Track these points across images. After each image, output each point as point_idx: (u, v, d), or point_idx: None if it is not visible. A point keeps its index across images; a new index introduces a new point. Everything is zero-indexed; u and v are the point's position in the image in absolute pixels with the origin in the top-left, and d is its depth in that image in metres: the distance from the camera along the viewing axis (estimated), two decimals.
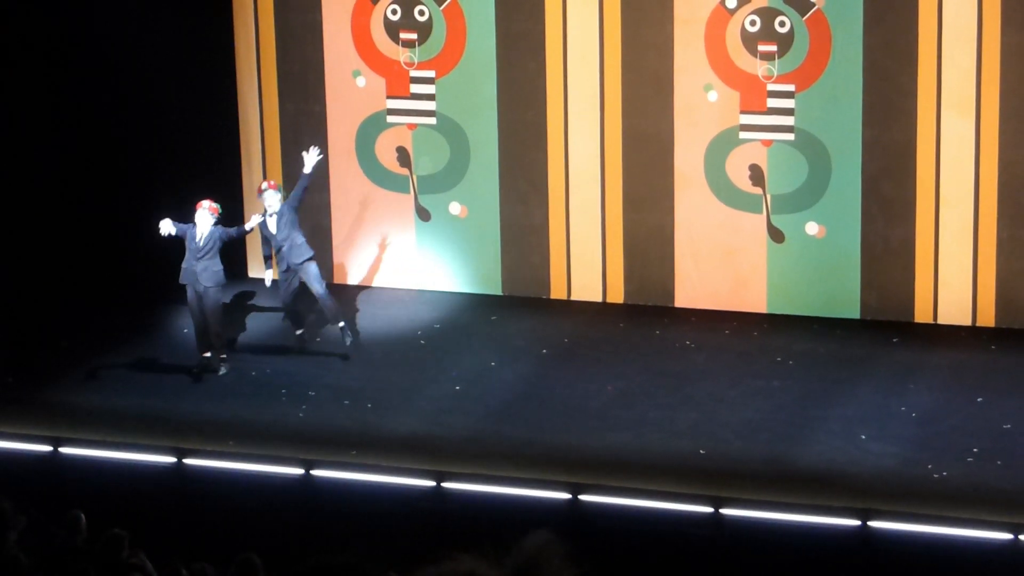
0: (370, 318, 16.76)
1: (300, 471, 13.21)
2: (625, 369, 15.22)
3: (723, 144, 16.34)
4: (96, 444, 13.80)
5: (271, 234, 15.52)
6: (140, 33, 17.23)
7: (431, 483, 12.91)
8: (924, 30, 15.61)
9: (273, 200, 15.46)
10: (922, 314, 16.09)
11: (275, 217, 15.48)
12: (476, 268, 17.24)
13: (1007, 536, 11.86)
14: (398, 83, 17.16)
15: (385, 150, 17.36)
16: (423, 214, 17.35)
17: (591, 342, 15.97)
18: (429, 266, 17.36)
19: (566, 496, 12.65)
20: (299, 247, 15.50)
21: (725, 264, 16.56)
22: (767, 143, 16.25)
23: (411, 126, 17.25)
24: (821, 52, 15.93)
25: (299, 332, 15.79)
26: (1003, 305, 15.87)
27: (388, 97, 17.24)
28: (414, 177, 17.33)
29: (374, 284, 17.53)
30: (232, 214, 16.08)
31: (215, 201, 15.35)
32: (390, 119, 17.29)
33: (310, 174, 15.62)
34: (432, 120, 17.15)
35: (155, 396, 14.98)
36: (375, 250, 17.53)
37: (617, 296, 16.95)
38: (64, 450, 13.75)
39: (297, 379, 15.20)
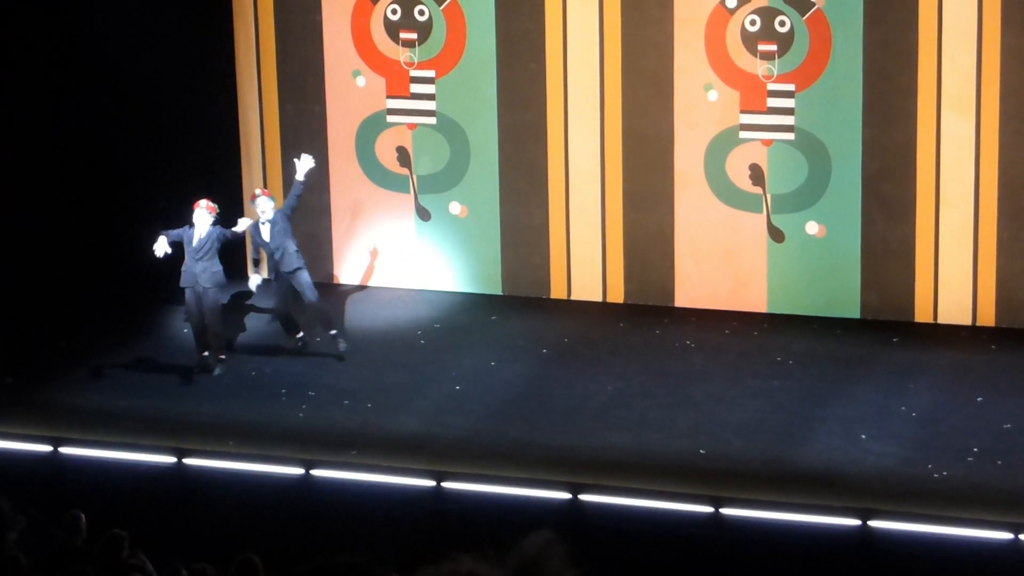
0: (370, 318, 16.76)
1: (300, 471, 13.21)
2: (625, 369, 15.21)
3: (723, 144, 16.34)
4: (96, 444, 13.80)
5: (264, 242, 15.50)
6: (140, 34, 17.22)
7: (431, 483, 12.91)
8: (924, 30, 15.61)
9: (266, 207, 15.46)
10: (922, 314, 16.09)
11: (268, 225, 15.47)
12: (476, 268, 17.24)
13: (1007, 536, 11.86)
14: (398, 83, 17.16)
15: (385, 150, 17.35)
16: (423, 214, 17.35)
17: (591, 342, 15.97)
18: (429, 266, 17.36)
19: (566, 496, 12.65)
20: (291, 255, 15.49)
21: (725, 264, 16.56)
22: (767, 143, 16.25)
23: (411, 126, 17.25)
24: (821, 52, 15.93)
25: (298, 336, 15.77)
26: (1003, 305, 15.87)
27: (388, 97, 17.23)
28: (414, 177, 17.33)
29: (374, 284, 17.53)
30: (232, 215, 16.07)
31: (213, 201, 15.35)
32: (390, 119, 17.29)
33: (303, 181, 15.64)
34: (432, 120, 17.14)
35: (155, 396, 14.98)
36: (375, 250, 17.53)
37: (617, 296, 16.94)
38: (64, 450, 13.75)
39: (297, 379, 15.20)
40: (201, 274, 15.22)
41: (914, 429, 13.79)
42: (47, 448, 13.77)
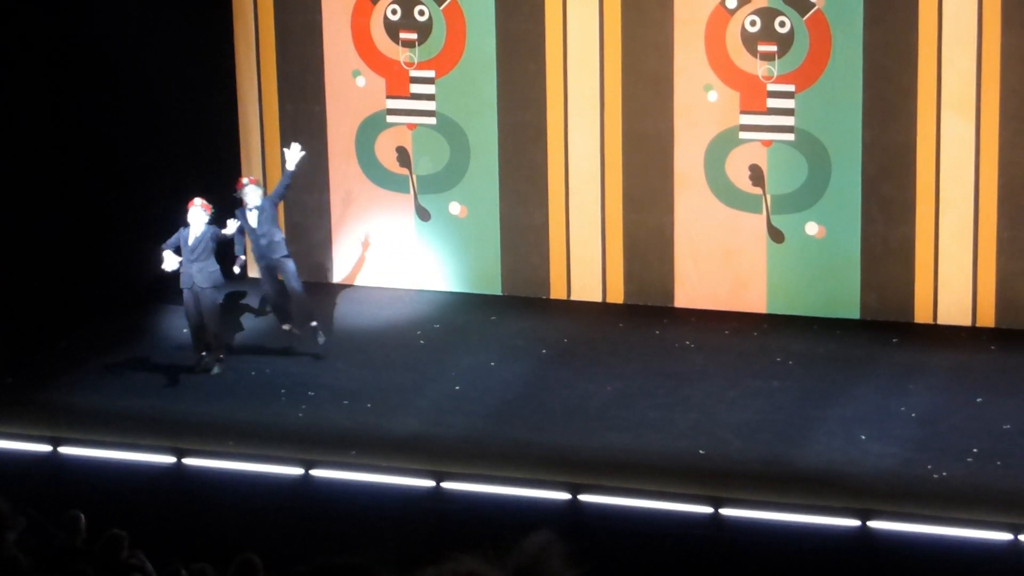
0: (370, 318, 16.76)
1: (300, 471, 13.21)
2: (625, 369, 15.21)
3: (723, 144, 16.33)
4: (95, 444, 13.80)
5: (251, 228, 15.54)
6: (140, 33, 17.23)
7: (431, 483, 12.91)
8: (924, 30, 15.61)
9: (254, 195, 15.50)
10: (922, 314, 16.09)
11: (256, 212, 15.51)
12: (476, 268, 17.24)
13: (1007, 536, 11.86)
14: (398, 83, 17.16)
15: (385, 150, 17.36)
16: (423, 214, 17.35)
17: (591, 342, 15.97)
18: (429, 266, 17.36)
19: (566, 496, 12.65)
20: (277, 243, 15.57)
21: (725, 264, 16.56)
22: (767, 143, 16.25)
23: (411, 126, 17.25)
24: (821, 52, 15.93)
25: (286, 327, 15.79)
26: (1003, 305, 15.87)
27: (388, 97, 17.24)
28: (414, 177, 17.33)
29: (373, 284, 17.53)
30: (232, 215, 16.06)
31: (208, 200, 15.36)
32: (390, 119, 17.29)
33: (293, 171, 15.68)
34: (432, 120, 17.15)
35: (155, 396, 14.98)
36: (374, 250, 17.52)
37: (617, 296, 16.94)
38: (63, 450, 13.75)
39: (296, 379, 15.20)
40: (197, 274, 15.23)
41: (914, 430, 13.79)
42: (47, 448, 13.77)
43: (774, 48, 16.05)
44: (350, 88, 17.30)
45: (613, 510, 12.57)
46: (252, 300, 17.05)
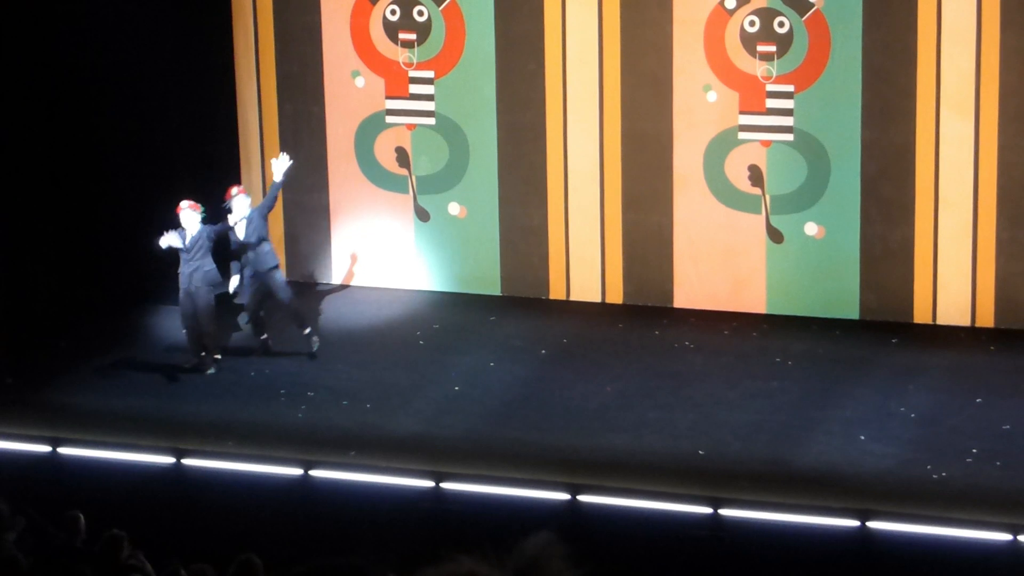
0: (369, 318, 16.76)
1: (299, 472, 13.20)
2: (624, 370, 15.21)
3: (722, 145, 16.34)
4: (95, 445, 13.79)
5: (239, 240, 15.51)
6: (139, 34, 17.22)
7: (430, 484, 12.90)
8: (923, 31, 15.61)
9: (242, 205, 15.46)
10: (921, 315, 16.10)
11: (244, 222, 15.49)
12: (475, 268, 17.24)
13: (1006, 537, 11.86)
14: (397, 83, 17.17)
15: (384, 150, 17.36)
16: (422, 214, 17.35)
17: (590, 343, 15.97)
18: (428, 266, 17.36)
19: (565, 497, 12.65)
20: (266, 254, 15.52)
21: (724, 265, 16.56)
22: (766, 143, 16.26)
23: (410, 126, 17.25)
24: (820, 53, 15.93)
25: (263, 337, 15.78)
26: (1002, 306, 15.87)
27: (387, 97, 17.24)
28: (413, 177, 17.33)
29: (373, 284, 17.53)
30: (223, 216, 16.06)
31: (194, 199, 15.37)
32: (389, 119, 17.29)
33: (281, 182, 15.65)
34: (431, 120, 17.15)
35: (154, 397, 14.98)
36: (374, 250, 17.52)
37: (616, 297, 16.95)
38: (63, 451, 13.74)
39: (296, 380, 15.20)
40: (193, 274, 15.25)
41: (913, 430, 13.79)
42: (46, 448, 13.76)
43: (773, 48, 16.06)
44: (349, 88, 17.31)
45: (612, 511, 12.57)
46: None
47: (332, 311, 16.95)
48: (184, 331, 15.58)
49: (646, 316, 16.55)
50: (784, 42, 16.02)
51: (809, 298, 16.36)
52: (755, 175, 16.35)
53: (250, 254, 15.50)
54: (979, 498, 12.48)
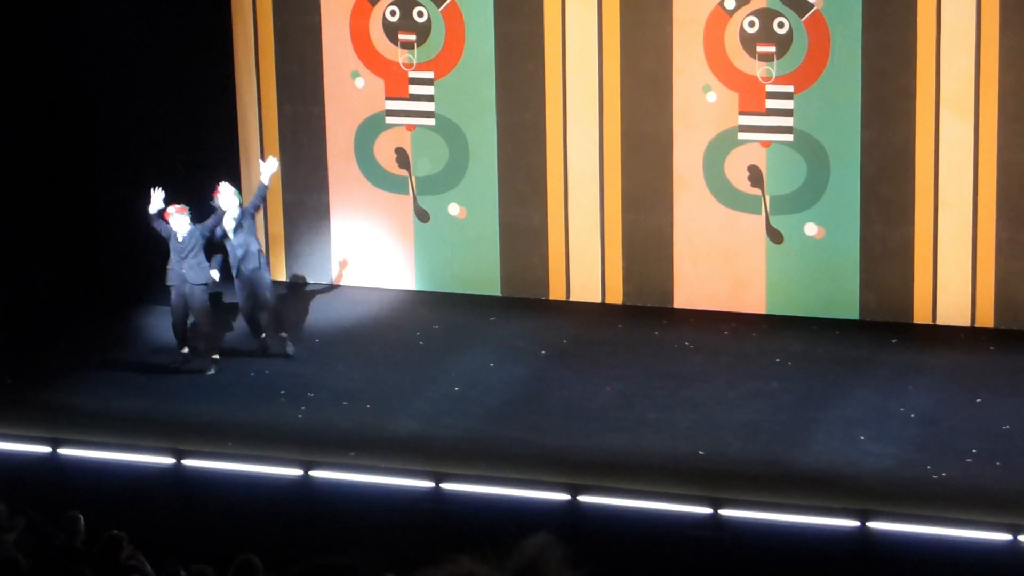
0: (369, 319, 16.77)
1: (299, 472, 13.20)
2: (624, 370, 15.21)
3: (722, 145, 16.34)
4: (95, 445, 13.79)
5: (227, 239, 15.51)
6: (139, 35, 17.22)
7: (430, 484, 12.90)
8: (923, 31, 15.61)
9: (229, 198, 15.47)
10: (921, 315, 16.10)
11: (233, 222, 15.49)
12: (475, 269, 17.24)
13: (1006, 537, 11.86)
14: (397, 84, 17.17)
15: (384, 151, 17.36)
16: (422, 215, 17.35)
17: (590, 343, 15.97)
18: (428, 267, 17.36)
19: (565, 497, 12.65)
20: (254, 254, 15.52)
21: (724, 265, 16.56)
22: (766, 144, 16.26)
23: (410, 127, 17.25)
24: (820, 53, 15.93)
25: (261, 337, 15.78)
26: (1002, 306, 15.88)
27: (387, 98, 17.24)
28: (413, 178, 17.33)
29: (373, 285, 17.53)
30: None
31: (180, 203, 15.40)
32: (389, 120, 17.29)
33: (267, 184, 15.70)
34: (431, 121, 17.15)
35: (154, 397, 14.97)
36: (374, 251, 17.52)
37: (616, 297, 16.95)
38: (63, 451, 13.74)
39: (296, 380, 15.20)
40: (188, 271, 15.27)
41: (913, 430, 13.79)
42: (46, 449, 13.76)
43: (773, 49, 16.06)
44: (349, 89, 17.31)
45: (612, 511, 12.57)
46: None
47: (332, 312, 16.95)
48: (172, 329, 15.57)
49: (646, 316, 16.55)
50: (784, 43, 16.02)
51: (809, 298, 16.36)
52: (755, 175, 16.36)
53: (238, 253, 15.50)
54: (979, 498, 12.48)
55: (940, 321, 16.05)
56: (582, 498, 12.60)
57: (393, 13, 17.07)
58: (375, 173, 17.41)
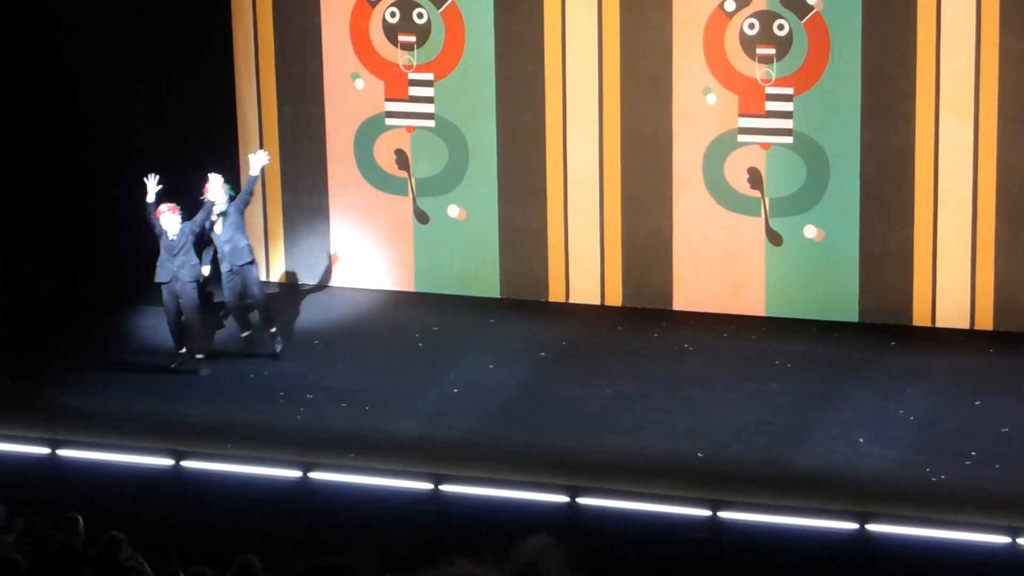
0: (368, 321, 16.77)
1: (298, 474, 13.21)
2: (623, 372, 15.21)
3: (721, 147, 16.34)
4: (94, 446, 13.80)
5: (216, 234, 15.52)
6: (138, 35, 17.22)
7: (429, 486, 12.90)
8: (923, 33, 15.62)
9: (220, 199, 15.46)
10: (920, 317, 16.10)
11: (220, 218, 15.49)
12: (474, 271, 17.24)
13: (1005, 539, 11.86)
14: (397, 86, 17.17)
15: (384, 153, 17.35)
16: (421, 217, 17.35)
17: (589, 345, 15.97)
18: (427, 269, 17.35)
19: (564, 499, 12.65)
20: (242, 249, 15.51)
21: (723, 267, 16.56)
22: (765, 146, 16.26)
23: (410, 128, 17.25)
24: (820, 55, 15.93)
25: (245, 334, 15.78)
26: (1001, 308, 15.87)
27: (387, 100, 17.24)
28: (412, 180, 17.33)
29: (372, 286, 17.53)
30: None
31: (170, 201, 15.42)
32: (389, 122, 17.29)
33: (257, 176, 15.70)
34: (431, 123, 17.15)
35: (153, 398, 14.97)
36: (373, 252, 17.52)
37: (615, 299, 16.94)
38: (62, 452, 13.74)
39: (295, 382, 15.20)
40: (179, 269, 15.28)
41: (912, 433, 13.79)
42: (45, 450, 13.77)
43: (772, 51, 16.06)
44: (349, 90, 17.31)
45: (611, 513, 12.57)
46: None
47: (331, 313, 16.95)
48: (169, 330, 15.57)
49: (645, 318, 16.55)
50: (783, 45, 16.02)
51: (808, 300, 16.36)
52: (754, 177, 16.35)
53: (226, 248, 15.50)
54: (978, 500, 12.48)
55: (939, 323, 16.04)
56: (581, 500, 12.61)
57: (393, 14, 17.07)
58: (375, 174, 17.41)
